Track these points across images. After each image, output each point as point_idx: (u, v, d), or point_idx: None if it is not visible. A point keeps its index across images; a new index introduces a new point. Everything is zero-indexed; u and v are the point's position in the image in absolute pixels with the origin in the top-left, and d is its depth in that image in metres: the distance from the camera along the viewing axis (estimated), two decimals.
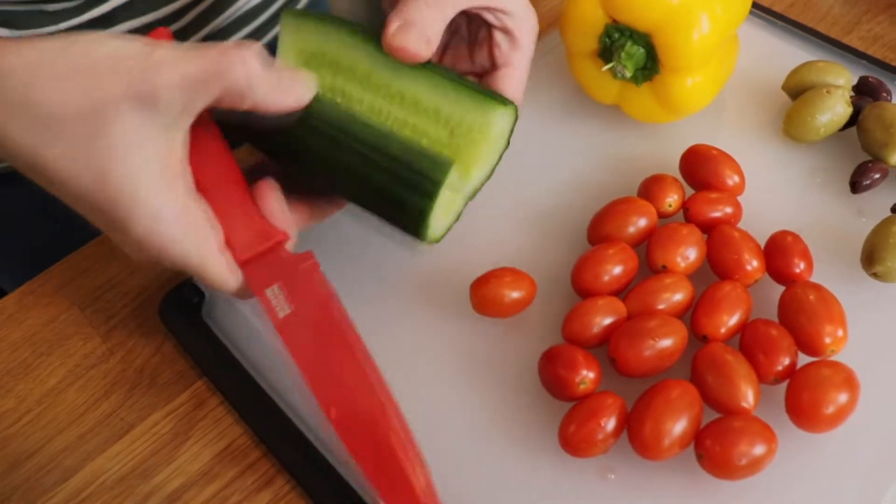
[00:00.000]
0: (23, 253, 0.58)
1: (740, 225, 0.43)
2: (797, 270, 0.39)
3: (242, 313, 0.43)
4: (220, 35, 0.58)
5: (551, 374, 0.37)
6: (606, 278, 0.40)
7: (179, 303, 0.43)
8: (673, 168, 0.46)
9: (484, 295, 0.40)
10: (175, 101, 0.31)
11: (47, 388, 0.43)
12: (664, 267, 0.39)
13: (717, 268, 0.40)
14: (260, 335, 0.42)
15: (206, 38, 0.57)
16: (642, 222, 0.41)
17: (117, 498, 0.39)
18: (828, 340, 0.37)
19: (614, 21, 0.45)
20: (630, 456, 0.35)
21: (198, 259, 0.33)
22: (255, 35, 0.61)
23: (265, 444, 0.39)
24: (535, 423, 0.38)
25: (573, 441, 0.35)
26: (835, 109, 0.46)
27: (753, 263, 0.39)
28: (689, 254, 0.40)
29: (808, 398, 0.35)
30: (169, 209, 0.32)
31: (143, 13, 0.52)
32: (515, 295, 0.40)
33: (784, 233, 0.41)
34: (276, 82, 0.34)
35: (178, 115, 0.31)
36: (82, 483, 0.39)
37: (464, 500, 0.36)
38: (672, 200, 0.43)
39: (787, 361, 0.36)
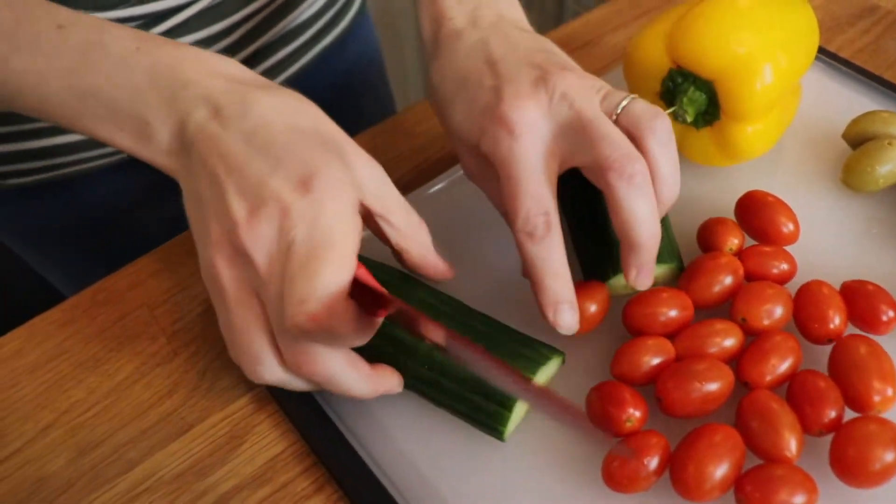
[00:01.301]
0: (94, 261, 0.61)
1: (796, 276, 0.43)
2: (885, 319, 0.40)
3: None
4: (270, 49, 0.61)
5: (599, 410, 0.38)
6: (662, 319, 0.40)
7: None
8: (728, 211, 0.46)
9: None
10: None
11: (115, 382, 0.45)
12: (744, 320, 0.40)
13: (802, 325, 0.41)
14: None
15: (256, 53, 0.60)
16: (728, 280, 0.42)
17: (173, 493, 0.41)
18: (877, 399, 0.37)
19: (678, 66, 0.46)
20: (672, 497, 0.36)
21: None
22: (303, 49, 0.63)
23: (316, 454, 0.41)
24: (580, 456, 0.39)
25: (616, 477, 0.36)
26: (895, 160, 0.46)
27: (836, 321, 0.40)
28: (775, 311, 0.40)
29: (853, 453, 0.35)
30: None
31: (197, 30, 0.55)
32: (593, 309, 0.41)
33: (863, 282, 0.41)
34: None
35: None
36: (142, 476, 0.41)
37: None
38: (733, 245, 0.43)
39: (833, 414, 0.37)
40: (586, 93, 0.39)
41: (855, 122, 0.49)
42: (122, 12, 0.50)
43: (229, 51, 0.58)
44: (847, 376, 0.38)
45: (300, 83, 0.66)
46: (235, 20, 0.56)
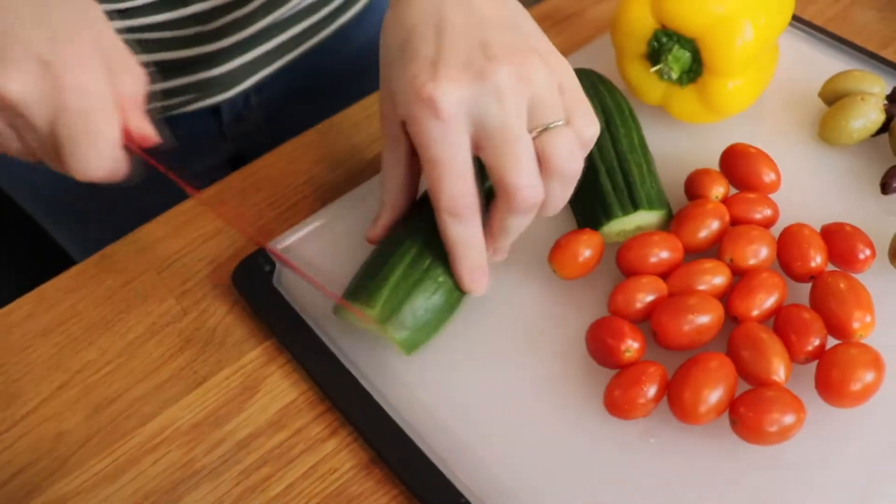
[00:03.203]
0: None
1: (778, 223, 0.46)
2: (861, 257, 0.42)
3: (309, 284, 0.46)
4: (287, 23, 0.60)
5: (599, 342, 0.40)
6: (654, 260, 0.43)
7: (252, 271, 0.47)
8: (713, 164, 0.49)
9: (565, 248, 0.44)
10: None
11: (127, 342, 0.46)
12: (731, 260, 0.42)
13: (785, 264, 0.43)
14: (325, 302, 0.45)
15: (272, 26, 0.59)
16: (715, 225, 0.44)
17: (191, 443, 0.42)
18: (856, 325, 0.39)
19: (663, 27, 0.49)
20: (669, 421, 0.38)
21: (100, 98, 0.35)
22: (321, 25, 0.63)
23: (329, 400, 0.42)
24: (581, 389, 0.41)
25: (618, 404, 0.38)
26: (868, 116, 0.49)
27: (818, 259, 0.42)
28: (760, 251, 0.43)
29: (836, 375, 0.38)
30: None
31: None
32: (588, 254, 0.43)
33: (841, 224, 0.44)
34: None
35: None
36: (158, 428, 0.43)
37: (511, 459, 0.39)
38: (718, 193, 0.46)
39: (817, 342, 0.39)
40: (518, 98, 0.37)
41: (830, 81, 0.52)
42: None
43: (248, 19, 0.57)
44: (829, 308, 0.40)
45: (320, 57, 0.65)
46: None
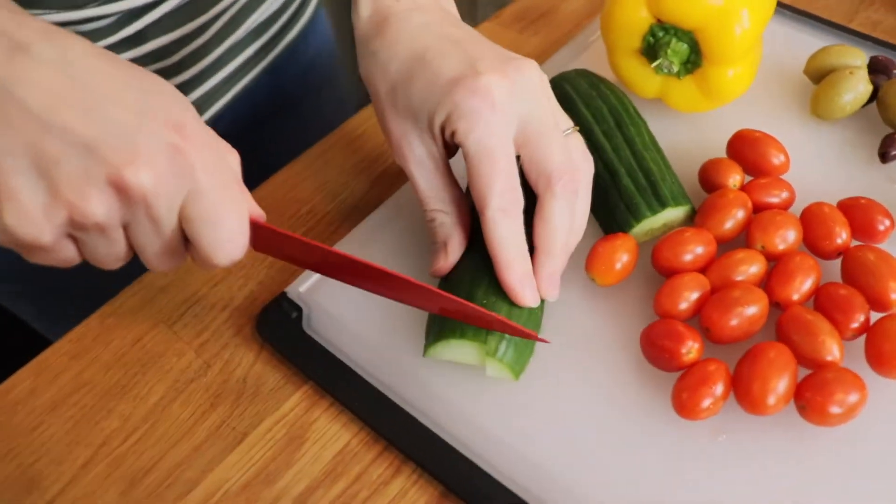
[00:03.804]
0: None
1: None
2: (882, 228, 0.44)
3: (343, 321, 0.44)
4: (242, 44, 0.60)
5: (657, 346, 0.40)
6: (690, 257, 0.43)
7: (278, 319, 0.44)
8: (718, 152, 0.49)
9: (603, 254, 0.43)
10: None
11: (150, 405, 0.43)
12: (763, 247, 0.43)
13: (812, 244, 0.44)
14: (363, 339, 0.43)
15: (230, 49, 0.59)
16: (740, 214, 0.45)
17: None
18: (894, 296, 0.41)
19: (659, 21, 0.49)
20: (735, 416, 0.39)
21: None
22: (272, 43, 0.63)
23: (385, 439, 0.41)
24: (640, 394, 0.41)
25: (687, 406, 0.38)
26: (857, 88, 0.51)
27: (843, 235, 0.43)
28: (788, 235, 0.43)
29: (889, 347, 0.39)
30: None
31: (171, 30, 0.53)
32: (626, 259, 0.43)
33: (856, 198, 0.45)
34: None
35: None
36: (205, 494, 0.40)
37: (584, 473, 0.38)
38: (735, 181, 0.46)
39: (861, 317, 0.40)
40: (549, 96, 0.41)
41: (814, 58, 0.53)
42: (93, 11, 0.48)
43: (205, 48, 0.56)
44: (864, 282, 0.42)
45: (272, 77, 0.65)
46: (208, 18, 0.54)
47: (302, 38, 0.67)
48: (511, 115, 0.39)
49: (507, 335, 0.40)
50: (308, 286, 0.46)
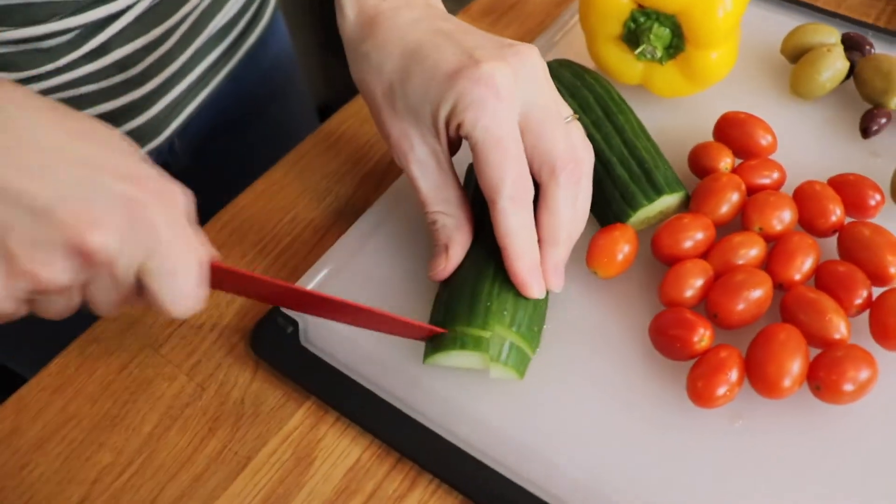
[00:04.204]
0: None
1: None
2: (873, 203, 0.44)
3: (340, 332, 0.42)
4: (206, 49, 0.58)
5: (667, 336, 0.39)
6: (690, 243, 0.42)
7: (273, 335, 0.43)
8: (703, 136, 0.49)
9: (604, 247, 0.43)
10: None
11: (143, 435, 0.41)
12: (760, 229, 0.42)
13: (807, 223, 0.44)
14: (363, 349, 0.42)
15: (195, 55, 0.58)
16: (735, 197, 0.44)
17: None
18: (893, 270, 0.41)
19: (640, 6, 0.48)
20: (750, 400, 0.38)
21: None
22: (233, 48, 0.61)
23: (397, 451, 0.39)
24: (652, 384, 0.40)
25: (703, 394, 0.38)
26: (835, 66, 0.51)
27: (837, 213, 0.43)
28: (784, 216, 0.43)
29: (893, 322, 0.39)
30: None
31: (135, 39, 0.51)
32: (627, 249, 0.42)
33: (844, 175, 0.45)
34: None
35: None
36: None
37: (603, 469, 0.37)
38: (727, 164, 0.46)
39: (864, 293, 0.40)
40: (549, 83, 0.40)
41: (789, 37, 0.53)
42: (54, 25, 0.45)
43: (169, 56, 0.54)
44: (862, 257, 0.42)
45: (236, 83, 0.63)
46: (172, 24, 0.52)
47: (261, 43, 0.66)
48: (515, 101, 0.38)
49: (508, 339, 0.39)
50: None
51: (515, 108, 0.38)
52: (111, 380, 0.43)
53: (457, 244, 0.41)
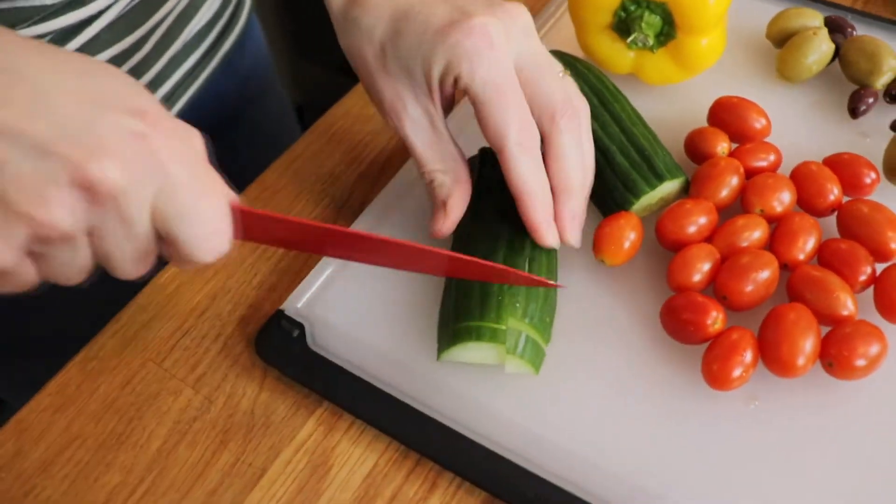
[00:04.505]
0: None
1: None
2: (868, 181, 0.44)
3: (349, 332, 0.42)
4: (181, 56, 0.57)
5: (680, 320, 0.39)
6: (695, 228, 0.43)
7: (279, 339, 0.42)
8: (696, 122, 0.49)
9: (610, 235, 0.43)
10: None
11: (152, 451, 0.40)
12: (762, 211, 0.43)
13: (806, 202, 0.44)
14: (374, 347, 0.41)
15: (170, 61, 0.57)
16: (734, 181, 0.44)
17: None
18: (893, 245, 0.42)
19: None
20: (764, 381, 0.39)
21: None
22: (209, 54, 0.60)
23: (416, 452, 0.39)
24: (666, 370, 0.40)
25: (719, 377, 0.38)
26: (821, 49, 0.52)
27: (835, 192, 0.44)
28: (784, 197, 0.43)
29: None
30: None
31: (109, 46, 0.50)
32: (633, 237, 0.42)
33: (839, 154, 0.46)
34: None
35: None
36: None
37: (623, 457, 0.37)
38: (723, 148, 0.46)
39: (868, 270, 0.41)
40: (536, 37, 0.41)
41: (774, 22, 0.54)
42: (26, 31, 0.44)
43: (144, 63, 0.53)
44: (862, 235, 0.42)
45: (214, 90, 0.62)
46: (146, 30, 0.51)
47: (238, 46, 0.65)
48: (509, 52, 0.38)
49: (523, 331, 0.38)
50: (306, 300, 0.43)
51: (510, 57, 0.38)
52: (114, 397, 0.42)
53: (455, 199, 0.41)
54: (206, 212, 0.31)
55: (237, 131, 0.69)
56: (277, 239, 0.38)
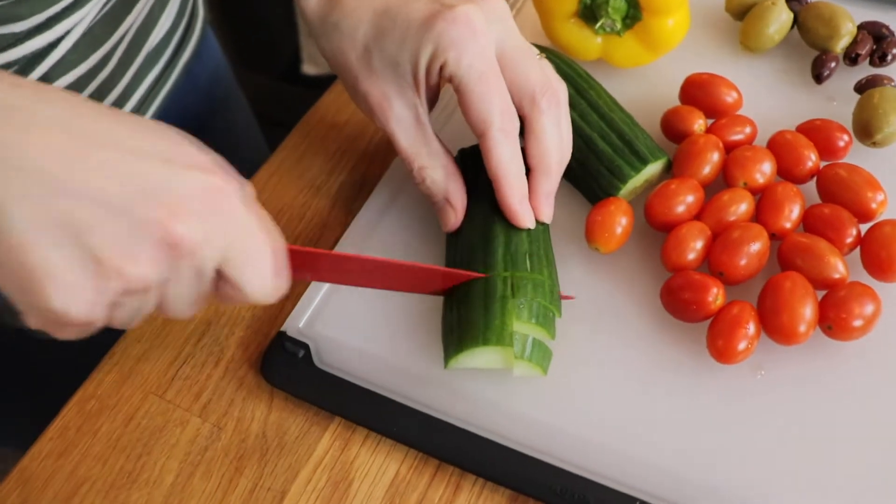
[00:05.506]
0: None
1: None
2: (842, 144, 0.45)
3: (354, 346, 0.41)
4: (145, 69, 0.57)
5: (681, 299, 0.40)
6: (683, 207, 0.43)
7: (283, 362, 0.41)
8: (668, 101, 0.50)
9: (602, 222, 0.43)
10: None
11: (167, 486, 0.39)
12: (745, 184, 0.44)
13: (786, 171, 0.46)
14: (380, 359, 0.41)
15: (135, 76, 0.56)
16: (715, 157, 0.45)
17: None
18: (874, 205, 0.43)
19: None
20: (766, 351, 0.40)
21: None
22: (170, 66, 0.60)
23: (436, 457, 0.39)
24: (671, 350, 0.41)
25: (724, 351, 0.39)
26: (780, 18, 0.53)
27: (813, 158, 0.45)
28: (765, 168, 0.45)
29: (883, 254, 0.41)
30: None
31: (76, 66, 0.49)
32: (625, 222, 0.43)
33: (811, 121, 0.47)
34: None
35: None
36: None
37: (641, 440, 0.38)
38: (700, 126, 0.47)
39: (854, 231, 0.42)
40: (514, 23, 0.41)
41: None
42: None
43: (111, 80, 0.52)
44: (843, 198, 0.44)
45: (178, 101, 0.62)
46: (110, 46, 0.51)
47: (196, 56, 0.64)
48: (491, 39, 0.39)
49: (529, 334, 0.39)
50: (307, 319, 0.43)
51: (492, 44, 0.39)
52: (118, 435, 0.41)
53: (454, 191, 0.42)
54: (269, 256, 0.32)
55: (203, 142, 0.68)
56: (318, 275, 0.40)
